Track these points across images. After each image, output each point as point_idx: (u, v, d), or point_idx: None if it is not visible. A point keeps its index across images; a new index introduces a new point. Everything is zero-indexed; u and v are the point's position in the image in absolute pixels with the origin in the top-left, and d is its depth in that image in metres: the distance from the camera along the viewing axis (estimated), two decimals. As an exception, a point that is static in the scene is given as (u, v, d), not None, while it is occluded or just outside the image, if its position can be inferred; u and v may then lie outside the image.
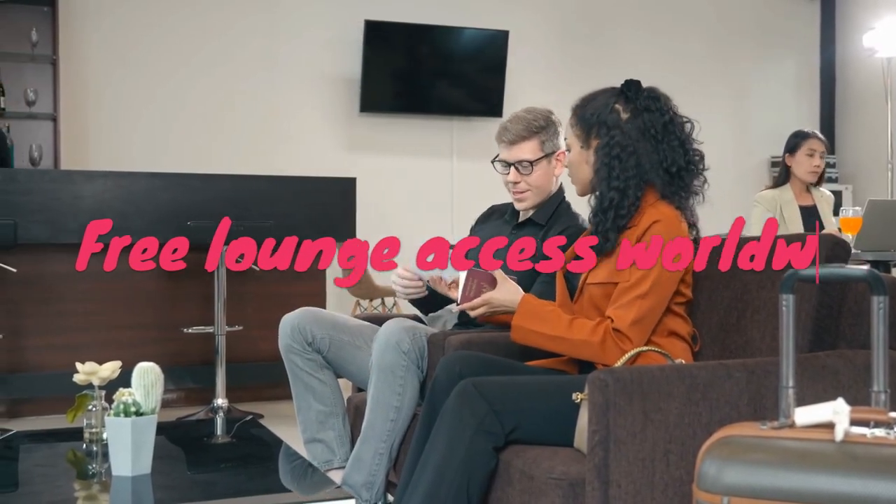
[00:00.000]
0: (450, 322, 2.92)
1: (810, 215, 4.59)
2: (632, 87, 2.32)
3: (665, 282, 2.21)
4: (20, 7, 6.23)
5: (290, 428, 3.27)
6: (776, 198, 4.61)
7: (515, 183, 2.83)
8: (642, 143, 2.27)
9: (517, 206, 2.90)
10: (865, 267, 1.57)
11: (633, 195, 2.25)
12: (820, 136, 4.68)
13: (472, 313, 2.42)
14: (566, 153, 2.44)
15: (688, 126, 2.36)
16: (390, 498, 2.62)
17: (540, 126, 2.82)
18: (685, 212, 2.32)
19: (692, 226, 2.35)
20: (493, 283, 2.39)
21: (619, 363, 2.13)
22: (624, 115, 2.29)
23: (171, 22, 6.65)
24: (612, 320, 2.19)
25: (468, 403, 2.07)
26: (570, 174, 2.42)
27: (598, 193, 2.30)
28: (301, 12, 6.96)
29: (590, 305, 2.30)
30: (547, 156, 2.82)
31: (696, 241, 2.36)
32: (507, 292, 2.36)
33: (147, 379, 2.21)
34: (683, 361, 2.18)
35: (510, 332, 2.33)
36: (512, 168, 2.84)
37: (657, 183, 2.28)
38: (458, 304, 2.45)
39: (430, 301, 2.90)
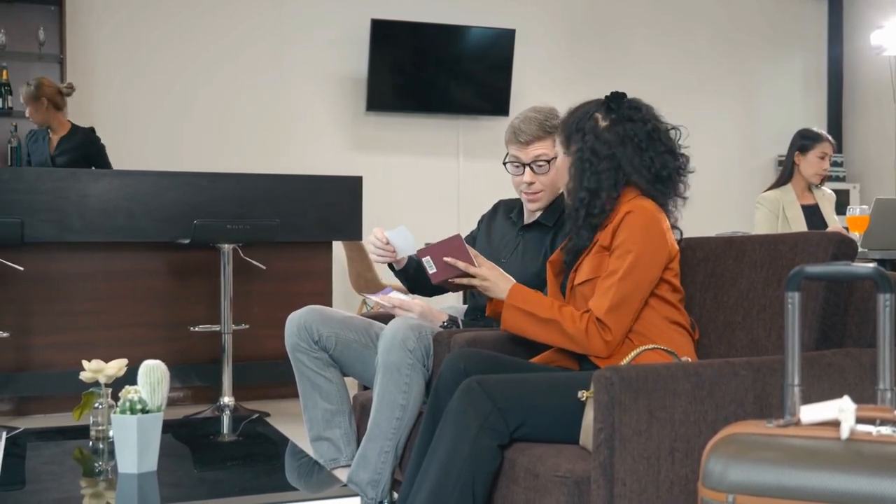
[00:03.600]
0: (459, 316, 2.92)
1: (813, 214, 4.58)
2: (615, 98, 2.41)
3: (642, 268, 2.23)
4: (27, 6, 6.25)
5: (296, 426, 3.27)
6: (779, 199, 4.60)
7: (530, 184, 2.80)
8: (621, 149, 2.34)
9: (530, 206, 2.86)
10: (872, 265, 1.56)
11: (606, 196, 2.33)
12: (831, 138, 4.67)
13: (462, 280, 2.45)
14: (546, 167, 2.49)
15: (673, 133, 2.42)
16: (396, 496, 2.62)
17: (554, 126, 2.78)
18: (667, 212, 2.37)
19: (673, 227, 2.39)
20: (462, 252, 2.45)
21: (624, 361, 2.14)
22: (602, 124, 2.37)
23: (177, 21, 6.66)
24: (592, 311, 2.23)
25: (473, 402, 2.07)
26: (559, 181, 2.52)
27: (571, 195, 2.39)
28: (307, 11, 6.96)
29: (583, 305, 2.31)
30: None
31: (679, 241, 2.40)
32: (501, 275, 2.42)
33: (153, 376, 2.21)
34: (689, 359, 2.18)
35: (501, 316, 2.36)
36: (527, 168, 2.80)
37: (641, 184, 2.34)
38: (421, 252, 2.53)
39: (410, 277, 2.95)
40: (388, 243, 2.83)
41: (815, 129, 4.76)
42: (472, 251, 2.46)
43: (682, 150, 2.42)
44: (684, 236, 2.47)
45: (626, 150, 2.33)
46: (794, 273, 1.57)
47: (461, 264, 2.43)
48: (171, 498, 2.16)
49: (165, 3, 6.64)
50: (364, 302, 6.72)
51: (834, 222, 4.56)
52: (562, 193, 2.85)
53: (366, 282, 6.34)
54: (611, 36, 7.78)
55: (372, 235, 2.85)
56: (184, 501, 2.17)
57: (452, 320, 2.81)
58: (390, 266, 2.97)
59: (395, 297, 2.88)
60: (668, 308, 2.30)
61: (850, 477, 1.37)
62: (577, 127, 2.38)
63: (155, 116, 6.58)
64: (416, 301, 2.86)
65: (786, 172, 4.70)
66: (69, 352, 4.61)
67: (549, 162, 2.78)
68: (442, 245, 2.47)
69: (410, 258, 2.93)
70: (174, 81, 6.65)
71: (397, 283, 3.19)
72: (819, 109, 8.39)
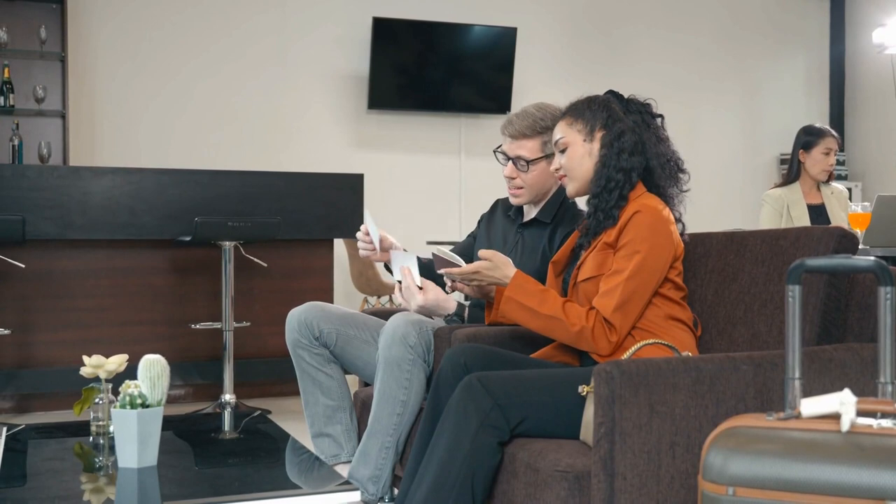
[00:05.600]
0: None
1: (819, 213, 4.53)
2: (616, 94, 2.44)
3: (649, 267, 2.23)
4: (29, 5, 6.26)
5: (297, 424, 3.27)
6: (783, 197, 4.56)
7: (511, 178, 2.81)
8: (646, 133, 2.37)
9: (511, 201, 2.87)
10: (872, 258, 1.55)
11: (635, 179, 2.34)
12: (835, 133, 4.61)
13: (463, 287, 2.45)
14: (559, 154, 2.44)
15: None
16: (396, 491, 2.62)
17: (545, 126, 2.75)
18: (671, 205, 2.38)
19: (677, 220, 2.39)
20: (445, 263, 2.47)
21: (625, 356, 2.14)
22: (621, 113, 2.39)
23: (179, 19, 6.67)
24: (598, 310, 2.22)
25: (473, 398, 2.06)
26: (566, 173, 2.45)
27: (601, 178, 2.35)
28: (310, 10, 6.97)
29: (586, 302, 2.31)
30: (547, 157, 2.75)
31: (682, 234, 2.40)
32: (499, 269, 2.38)
33: (153, 371, 2.21)
34: (690, 354, 2.17)
35: (500, 309, 2.34)
36: (510, 163, 2.81)
37: (656, 171, 2.36)
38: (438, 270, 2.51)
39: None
40: (367, 234, 2.88)
41: (818, 124, 4.71)
42: (453, 257, 2.47)
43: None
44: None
45: (650, 135, 2.37)
46: (794, 266, 1.57)
47: (456, 270, 2.44)
48: (173, 493, 2.16)
49: (167, 2, 6.64)
50: (365, 299, 6.72)
51: (841, 221, 4.49)
52: (560, 189, 2.84)
53: (367, 280, 6.34)
54: (613, 34, 7.77)
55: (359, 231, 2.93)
56: (185, 497, 2.17)
57: (458, 314, 2.79)
58: (386, 268, 2.99)
59: (415, 272, 2.75)
60: (670, 305, 2.30)
61: (850, 469, 1.36)
62: (604, 113, 2.38)
63: (156, 114, 6.58)
64: (429, 293, 2.73)
65: (792, 171, 4.61)
66: (70, 349, 4.61)
67: (528, 163, 2.76)
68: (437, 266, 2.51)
69: None
70: (176, 79, 6.65)
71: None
72: (821, 107, 8.38)
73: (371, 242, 2.89)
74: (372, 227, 2.89)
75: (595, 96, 2.45)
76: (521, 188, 2.80)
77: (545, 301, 2.28)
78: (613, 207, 2.31)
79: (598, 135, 2.37)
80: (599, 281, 2.28)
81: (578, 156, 2.40)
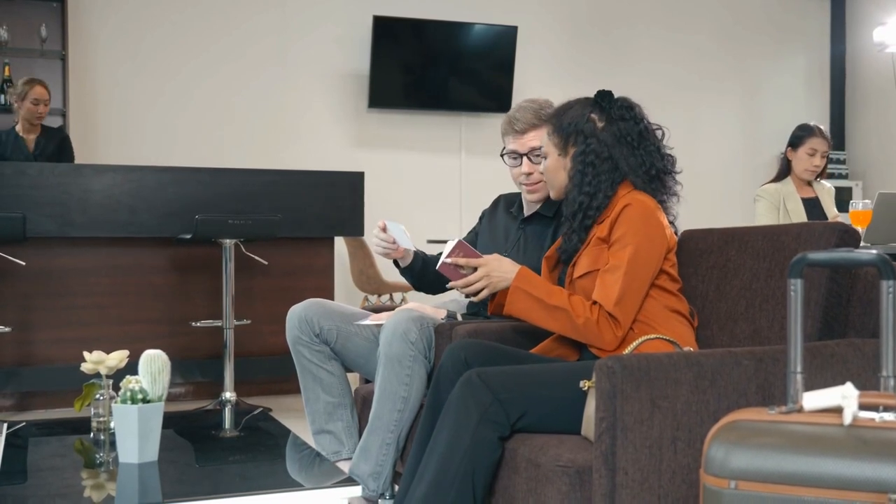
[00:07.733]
0: (459, 311, 2.91)
1: (813, 207, 4.55)
2: (605, 97, 2.40)
3: (644, 260, 2.24)
4: (30, 3, 6.26)
5: (298, 422, 3.27)
6: (778, 191, 4.57)
7: (528, 174, 2.78)
8: (618, 149, 2.34)
9: (530, 197, 2.84)
10: (874, 251, 1.55)
11: (603, 196, 2.33)
12: (825, 134, 4.58)
13: (470, 289, 2.42)
14: (543, 160, 2.48)
15: (659, 133, 2.43)
16: (397, 488, 2.62)
17: (548, 114, 2.77)
18: (664, 209, 2.38)
19: (670, 223, 2.39)
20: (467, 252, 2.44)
21: (626, 351, 2.14)
22: (599, 124, 2.36)
23: (180, 18, 6.67)
24: (601, 304, 2.22)
25: (473, 394, 2.06)
26: (546, 180, 2.50)
27: (569, 198, 2.37)
28: (310, 9, 6.97)
29: (584, 297, 2.31)
30: None
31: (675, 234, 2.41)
32: (505, 262, 2.39)
33: (154, 366, 2.21)
34: (692, 349, 2.17)
35: (507, 300, 2.32)
36: (524, 159, 2.79)
37: (636, 183, 2.34)
38: (437, 267, 2.47)
39: (416, 274, 2.94)
40: (384, 230, 2.84)
41: (812, 123, 4.70)
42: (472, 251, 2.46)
43: (668, 151, 2.42)
44: (682, 230, 2.47)
45: (622, 149, 2.33)
46: (796, 260, 1.57)
47: (462, 260, 2.41)
48: (174, 490, 2.16)
49: (167, 2, 6.64)
50: (366, 298, 6.72)
51: (835, 215, 4.53)
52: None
53: (367, 278, 6.33)
54: (614, 33, 7.77)
55: (375, 228, 2.85)
56: (186, 494, 2.16)
57: (451, 316, 2.80)
58: (396, 264, 2.96)
59: (383, 314, 2.86)
60: (667, 297, 2.30)
61: (852, 463, 1.36)
62: (576, 128, 2.36)
63: (157, 112, 6.58)
64: (409, 305, 2.84)
65: (781, 168, 4.66)
66: (71, 347, 4.61)
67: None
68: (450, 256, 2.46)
69: (416, 254, 2.93)
70: (176, 77, 6.65)
71: (402, 280, 3.16)
72: (822, 106, 8.38)
73: (395, 242, 2.85)
74: (398, 231, 2.85)
75: (573, 104, 2.42)
76: (541, 181, 2.76)
77: (552, 293, 2.28)
78: (576, 231, 2.34)
79: (571, 151, 2.38)
80: (596, 276, 2.28)
81: (553, 168, 2.44)
